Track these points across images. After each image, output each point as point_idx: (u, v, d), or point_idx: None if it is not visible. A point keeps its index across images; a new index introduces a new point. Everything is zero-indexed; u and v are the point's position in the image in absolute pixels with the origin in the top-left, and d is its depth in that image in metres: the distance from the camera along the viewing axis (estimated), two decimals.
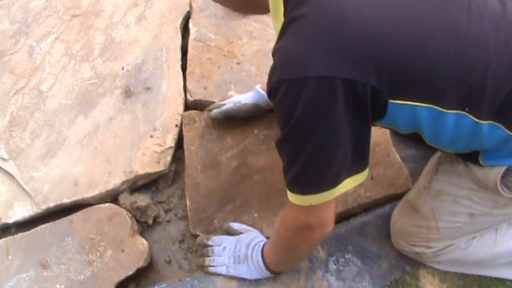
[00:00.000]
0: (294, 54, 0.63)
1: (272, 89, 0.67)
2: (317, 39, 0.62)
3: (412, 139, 0.83)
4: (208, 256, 1.00)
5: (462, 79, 0.65)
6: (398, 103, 0.67)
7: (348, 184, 0.73)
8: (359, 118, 0.67)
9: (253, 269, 0.96)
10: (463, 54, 0.65)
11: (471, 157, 0.80)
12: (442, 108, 0.67)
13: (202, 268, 1.01)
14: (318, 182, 0.71)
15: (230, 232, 1.04)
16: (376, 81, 0.63)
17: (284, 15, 0.70)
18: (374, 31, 0.63)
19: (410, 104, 0.67)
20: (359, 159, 0.72)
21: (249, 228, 1.04)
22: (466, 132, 0.70)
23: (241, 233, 1.02)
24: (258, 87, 1.15)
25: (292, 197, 0.76)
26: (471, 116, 0.68)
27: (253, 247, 0.96)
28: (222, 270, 0.98)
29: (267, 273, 0.96)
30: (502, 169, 0.77)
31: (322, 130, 0.66)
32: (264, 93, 1.12)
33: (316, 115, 0.64)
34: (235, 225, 1.04)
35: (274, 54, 0.69)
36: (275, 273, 0.97)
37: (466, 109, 0.67)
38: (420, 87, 0.66)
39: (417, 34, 0.64)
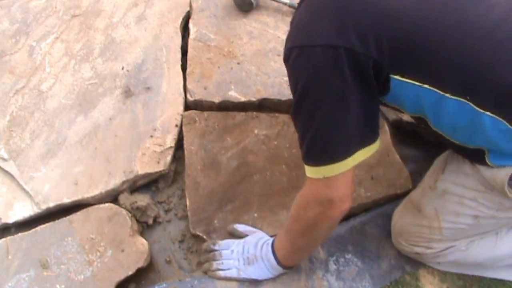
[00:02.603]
0: (304, 23, 0.68)
1: (285, 56, 0.71)
2: (325, 9, 0.67)
3: (415, 135, 0.84)
4: (215, 260, 0.99)
5: (465, 67, 0.66)
6: (401, 80, 0.69)
7: (360, 156, 0.74)
8: (366, 88, 0.69)
9: (264, 268, 0.95)
10: (468, 43, 0.66)
11: (478, 157, 0.80)
12: (444, 92, 0.69)
13: (210, 272, 0.99)
14: (330, 151, 0.73)
15: (235, 234, 1.04)
16: (377, 54, 0.66)
17: None
18: (380, 6, 0.66)
19: (413, 84, 0.69)
20: (368, 129, 0.74)
21: (254, 229, 1.04)
22: (467, 120, 0.71)
23: (247, 235, 1.02)
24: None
25: (308, 171, 0.77)
26: (471, 104, 0.68)
27: (261, 246, 0.96)
28: (232, 273, 0.96)
29: (279, 270, 0.95)
30: (511, 171, 0.77)
31: (329, 97, 0.69)
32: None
33: (323, 82, 0.68)
34: (240, 227, 1.04)
35: (290, 25, 0.74)
36: (287, 268, 0.96)
37: (468, 97, 0.68)
38: (422, 67, 0.68)
39: (423, 16, 0.67)
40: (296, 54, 0.69)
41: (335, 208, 0.79)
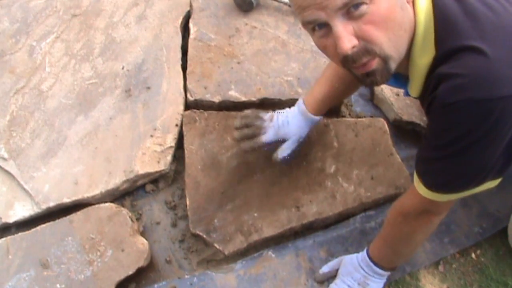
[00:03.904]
0: (484, 75, 0.62)
1: (453, 106, 0.64)
2: (504, 59, 0.62)
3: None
4: None
5: None
6: None
7: (486, 186, 0.74)
8: None
9: (377, 282, 0.95)
10: None
11: None
12: None
13: None
14: (467, 185, 0.73)
15: (327, 277, 1.01)
16: None
17: (436, 45, 0.68)
18: None
19: None
20: (508, 164, 0.73)
21: (335, 260, 1.01)
22: None
23: (336, 269, 1.00)
24: (307, 112, 1.06)
25: (424, 191, 0.77)
26: None
27: (360, 267, 0.95)
28: None
29: (386, 274, 0.95)
30: None
31: (493, 145, 0.67)
32: (317, 118, 1.07)
33: (498, 133, 0.65)
34: (325, 268, 1.01)
35: (447, 74, 0.65)
36: (391, 270, 0.96)
37: None
38: None
39: None
40: (476, 107, 0.62)
41: (434, 219, 0.83)
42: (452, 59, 0.64)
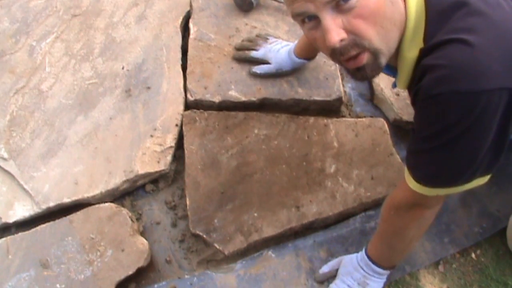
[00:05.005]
0: (469, 67, 0.61)
1: (437, 98, 0.63)
2: (490, 52, 0.61)
3: None
4: None
5: None
6: None
7: (477, 182, 0.74)
8: (510, 124, 0.66)
9: (377, 281, 0.95)
10: None
11: None
12: None
13: None
14: (455, 180, 0.72)
15: (327, 277, 1.01)
16: None
17: (425, 39, 0.67)
18: None
19: None
20: (495, 160, 0.72)
21: (335, 260, 1.01)
22: None
23: (336, 269, 1.00)
24: (292, 52, 1.21)
25: (414, 185, 0.76)
26: None
27: (360, 266, 0.95)
28: None
29: (386, 272, 0.95)
30: None
31: (478, 139, 0.66)
32: (299, 60, 1.22)
33: (483, 127, 0.64)
34: (325, 268, 1.01)
35: (432, 66, 0.64)
36: (391, 268, 0.96)
37: None
38: None
39: None
40: (458, 100, 0.62)
41: (425, 212, 0.82)
42: (438, 50, 0.64)
